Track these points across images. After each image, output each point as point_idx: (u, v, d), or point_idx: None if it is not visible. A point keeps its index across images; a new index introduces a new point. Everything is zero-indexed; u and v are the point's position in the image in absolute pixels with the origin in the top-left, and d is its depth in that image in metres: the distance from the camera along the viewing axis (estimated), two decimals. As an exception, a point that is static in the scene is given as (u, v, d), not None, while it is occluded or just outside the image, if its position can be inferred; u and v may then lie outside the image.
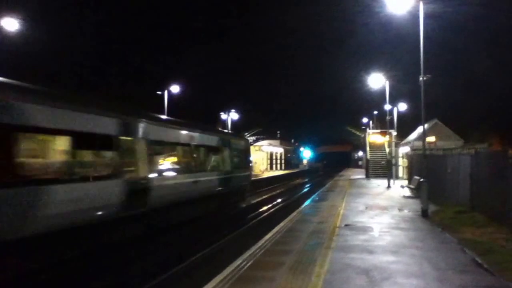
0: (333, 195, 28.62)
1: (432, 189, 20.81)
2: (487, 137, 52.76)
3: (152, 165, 15.33)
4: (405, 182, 34.14)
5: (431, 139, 37.34)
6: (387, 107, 43.54)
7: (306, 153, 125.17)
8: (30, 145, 10.74)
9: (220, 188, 21.93)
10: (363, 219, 17.37)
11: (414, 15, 20.38)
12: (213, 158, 22.13)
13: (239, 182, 25.35)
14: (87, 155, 12.83)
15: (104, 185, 12.68)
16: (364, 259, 10.70)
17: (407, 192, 28.13)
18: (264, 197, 34.78)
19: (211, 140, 22.03)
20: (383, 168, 47.59)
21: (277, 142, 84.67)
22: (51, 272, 10.93)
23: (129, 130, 14.10)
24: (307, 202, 24.62)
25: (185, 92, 56.16)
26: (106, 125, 12.98)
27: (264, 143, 73.39)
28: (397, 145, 50.53)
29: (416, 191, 25.13)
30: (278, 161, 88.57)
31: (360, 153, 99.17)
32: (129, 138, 14.02)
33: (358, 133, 76.35)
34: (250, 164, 31.98)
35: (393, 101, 52.45)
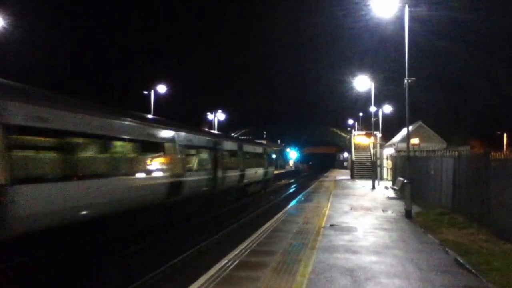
0: (318, 195, 28.79)
1: (415, 191, 21.06)
2: (468, 140, 53.28)
3: (244, 164, 30.74)
4: (389, 184, 34.41)
5: (415, 141, 37.65)
6: (372, 109, 43.73)
7: (292, 154, 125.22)
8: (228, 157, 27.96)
9: (263, 177, 38.25)
10: (347, 220, 17.54)
11: (399, 19, 20.57)
12: (262, 160, 37.92)
13: (269, 174, 41.65)
14: (233, 161, 29.01)
15: (234, 172, 28.38)
16: (348, 259, 10.84)
17: (391, 193, 28.38)
18: (250, 197, 34.83)
19: (260, 149, 38.46)
20: (368, 169, 47.92)
21: (263, 142, 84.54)
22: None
23: (240, 148, 30.47)
24: (292, 203, 24.76)
25: (173, 92, 56.29)
26: (236, 147, 29.77)
27: (250, 143, 73.00)
28: (382, 146, 50.80)
29: (400, 192, 25.40)
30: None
31: (346, 155, 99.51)
32: (239, 152, 30.13)
33: (343, 134, 76.85)
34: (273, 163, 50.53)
35: (379, 103, 52.77)
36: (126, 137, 15.31)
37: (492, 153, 14.55)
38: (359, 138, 55.61)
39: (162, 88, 46.34)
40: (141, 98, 47.35)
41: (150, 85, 46.32)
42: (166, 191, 18.04)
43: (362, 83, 40.15)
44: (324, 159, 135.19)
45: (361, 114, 79.25)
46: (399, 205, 21.85)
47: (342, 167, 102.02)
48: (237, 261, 10.63)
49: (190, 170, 20.98)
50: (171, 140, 19.10)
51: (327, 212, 19.95)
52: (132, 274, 12.54)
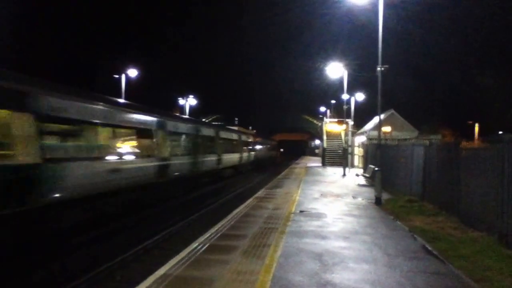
0: (289, 182, 28.86)
1: (386, 178, 21.21)
2: (440, 129, 53.88)
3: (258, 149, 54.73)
4: (360, 171, 34.60)
5: (386, 129, 37.96)
6: (345, 96, 43.91)
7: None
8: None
9: (271, 156, 72.58)
10: (317, 206, 17.60)
11: (373, 5, 20.57)
12: (267, 146, 69.95)
13: (271, 154, 73.55)
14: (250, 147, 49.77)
15: (249, 155, 49.40)
16: (317, 244, 10.88)
17: (361, 180, 28.56)
18: (219, 184, 34.83)
19: (268, 141, 72.97)
20: (339, 157, 48.21)
21: (234, 128, 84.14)
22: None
23: (255, 140, 54.90)
24: (263, 189, 24.75)
25: (145, 77, 55.74)
26: (251, 139, 51.50)
27: (222, 129, 72.59)
28: (354, 134, 51.11)
29: (371, 180, 25.54)
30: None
31: (317, 142, 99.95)
32: (253, 142, 52.95)
33: (315, 121, 77.11)
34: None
35: (351, 91, 52.97)
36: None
37: (462, 143, 14.71)
38: (331, 125, 55.76)
39: (133, 72, 45.62)
40: (111, 82, 46.55)
41: (122, 70, 45.57)
42: (215, 164, 32.62)
43: (335, 70, 40.20)
44: (296, 146, 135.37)
45: (333, 101, 79.76)
46: (369, 192, 21.99)
47: (314, 154, 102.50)
48: (207, 245, 10.61)
49: (226, 152, 36.36)
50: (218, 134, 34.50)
51: (297, 198, 19.99)
52: (103, 255, 12.50)
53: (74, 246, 13.38)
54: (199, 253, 9.84)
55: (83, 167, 14.49)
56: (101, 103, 16.44)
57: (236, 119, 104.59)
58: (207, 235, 11.76)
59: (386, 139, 33.13)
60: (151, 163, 20.04)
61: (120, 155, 17.39)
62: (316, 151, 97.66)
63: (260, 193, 22.30)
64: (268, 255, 9.70)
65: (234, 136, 41.75)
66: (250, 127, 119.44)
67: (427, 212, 15.95)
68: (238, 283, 7.87)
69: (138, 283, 8.03)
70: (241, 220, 14.22)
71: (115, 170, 16.37)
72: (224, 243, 10.89)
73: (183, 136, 25.98)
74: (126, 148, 18.40)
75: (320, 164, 52.54)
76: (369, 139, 39.19)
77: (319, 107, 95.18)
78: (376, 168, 20.13)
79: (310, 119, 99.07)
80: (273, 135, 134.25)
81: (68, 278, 10.66)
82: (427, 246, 11.05)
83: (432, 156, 17.64)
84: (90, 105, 15.48)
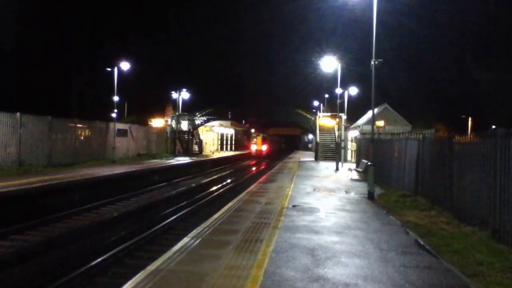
0: (281, 176, 28.80)
1: (379, 173, 21.22)
2: (433, 123, 53.92)
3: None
4: (353, 166, 34.60)
5: (380, 123, 37.87)
6: (338, 91, 43.77)
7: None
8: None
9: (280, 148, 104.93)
10: (310, 201, 17.56)
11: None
12: (279, 142, 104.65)
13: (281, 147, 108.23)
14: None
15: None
16: (310, 239, 10.84)
17: (354, 175, 28.54)
18: (214, 177, 34.79)
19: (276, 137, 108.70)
20: (332, 151, 48.26)
21: (228, 123, 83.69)
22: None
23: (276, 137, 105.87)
24: (256, 183, 24.71)
25: (138, 70, 55.34)
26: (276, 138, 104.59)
27: (215, 123, 72.50)
28: (347, 128, 51.08)
29: (364, 175, 25.57)
30: (229, 142, 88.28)
31: (310, 136, 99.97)
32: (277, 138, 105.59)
33: (308, 116, 76.95)
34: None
35: (345, 85, 52.80)
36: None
37: (455, 137, 14.71)
38: (324, 120, 55.79)
39: (125, 66, 45.06)
40: (105, 75, 46.24)
41: (115, 63, 45.12)
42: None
43: (329, 64, 40.00)
44: (289, 140, 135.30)
45: (326, 95, 79.65)
46: (362, 187, 21.98)
47: (307, 149, 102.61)
48: (199, 239, 10.53)
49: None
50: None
51: (290, 192, 19.96)
52: (95, 249, 12.54)
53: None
54: (191, 248, 9.77)
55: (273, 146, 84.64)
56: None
57: (230, 113, 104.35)
58: (199, 229, 11.69)
59: (379, 134, 33.07)
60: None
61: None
62: (309, 145, 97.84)
63: (252, 187, 22.24)
64: (260, 250, 9.65)
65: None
66: (243, 121, 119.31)
67: (420, 207, 15.98)
68: (231, 278, 7.82)
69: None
70: (234, 214, 14.15)
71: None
72: (217, 237, 10.81)
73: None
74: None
75: (313, 159, 52.49)
76: (362, 133, 39.18)
77: (313, 101, 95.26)
78: (369, 163, 20.12)
79: (304, 113, 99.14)
80: (266, 129, 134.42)
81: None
82: (419, 240, 11.03)
83: (426, 151, 17.65)
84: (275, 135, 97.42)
